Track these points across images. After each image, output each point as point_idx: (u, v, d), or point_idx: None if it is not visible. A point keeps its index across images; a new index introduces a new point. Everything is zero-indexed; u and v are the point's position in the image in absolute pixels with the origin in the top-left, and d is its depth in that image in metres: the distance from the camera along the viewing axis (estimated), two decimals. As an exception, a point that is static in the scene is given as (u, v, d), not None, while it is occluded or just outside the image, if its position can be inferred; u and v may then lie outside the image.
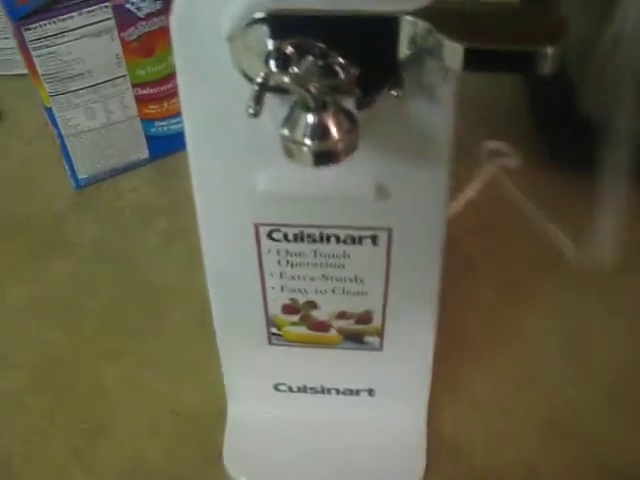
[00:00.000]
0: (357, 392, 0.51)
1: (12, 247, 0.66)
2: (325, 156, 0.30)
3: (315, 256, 0.41)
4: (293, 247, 0.41)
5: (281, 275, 0.43)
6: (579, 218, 0.58)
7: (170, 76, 0.64)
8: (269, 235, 0.40)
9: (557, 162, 0.68)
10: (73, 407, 0.56)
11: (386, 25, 0.30)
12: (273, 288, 0.43)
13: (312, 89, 0.29)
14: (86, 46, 0.61)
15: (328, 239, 0.40)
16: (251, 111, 0.30)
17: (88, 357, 0.59)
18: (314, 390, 0.51)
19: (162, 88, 0.66)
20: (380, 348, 0.47)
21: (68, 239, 0.67)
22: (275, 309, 0.45)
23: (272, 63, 0.30)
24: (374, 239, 0.40)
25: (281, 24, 0.30)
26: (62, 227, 0.68)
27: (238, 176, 0.38)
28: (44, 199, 0.70)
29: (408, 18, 0.29)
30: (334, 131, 0.29)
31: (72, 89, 0.63)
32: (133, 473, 0.54)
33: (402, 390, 0.51)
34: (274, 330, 0.46)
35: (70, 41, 0.60)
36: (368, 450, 0.51)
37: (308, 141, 0.29)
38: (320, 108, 0.29)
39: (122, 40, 0.62)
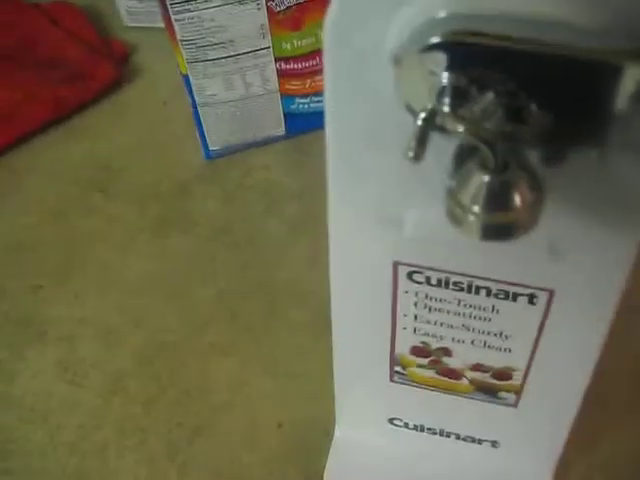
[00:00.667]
0: (480, 441, 0.46)
1: (135, 215, 0.64)
2: (498, 231, 0.24)
3: (458, 305, 0.36)
4: (435, 292, 0.35)
5: (416, 317, 0.37)
6: None
7: (317, 52, 0.60)
8: (409, 276, 0.35)
9: None
10: (173, 399, 0.54)
11: (601, 69, 0.23)
12: (405, 329, 0.38)
13: (492, 144, 0.23)
14: (230, 13, 0.57)
15: (477, 291, 0.34)
16: (411, 154, 0.25)
17: (196, 348, 0.56)
18: (432, 431, 0.46)
19: (307, 64, 0.62)
20: (515, 405, 0.42)
21: (191, 214, 0.64)
22: (403, 349, 0.40)
23: (443, 100, 0.24)
24: (532, 298, 0.34)
25: (463, 53, 0.25)
26: (187, 200, 0.65)
27: (382, 209, 0.32)
28: (173, 167, 0.67)
29: (632, 66, 0.22)
30: (515, 202, 0.23)
31: (211, 58, 0.59)
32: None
33: (530, 448, 0.45)
34: (398, 369, 0.41)
35: (213, 7, 0.56)
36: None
37: (479, 209, 0.23)
38: (500, 169, 0.23)
39: (269, 10, 0.57)
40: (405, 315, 0.37)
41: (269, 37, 0.59)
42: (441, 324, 0.37)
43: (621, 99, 0.23)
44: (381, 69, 0.27)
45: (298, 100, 0.64)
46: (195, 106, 0.62)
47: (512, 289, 0.34)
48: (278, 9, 0.57)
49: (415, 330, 0.38)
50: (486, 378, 0.40)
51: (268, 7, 0.57)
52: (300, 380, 0.53)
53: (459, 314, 0.36)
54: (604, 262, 0.31)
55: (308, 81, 0.63)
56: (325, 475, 0.49)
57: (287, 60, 0.61)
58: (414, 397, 0.44)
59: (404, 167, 0.29)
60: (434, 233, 0.32)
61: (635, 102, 0.23)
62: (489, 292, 0.34)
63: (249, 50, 0.59)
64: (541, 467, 0.46)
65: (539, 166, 0.25)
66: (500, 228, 0.24)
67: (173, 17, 0.56)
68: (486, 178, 0.23)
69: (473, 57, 0.24)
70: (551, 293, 0.33)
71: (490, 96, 0.24)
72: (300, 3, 0.57)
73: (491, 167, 0.23)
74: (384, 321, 0.38)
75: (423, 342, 0.39)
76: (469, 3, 0.25)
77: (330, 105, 0.30)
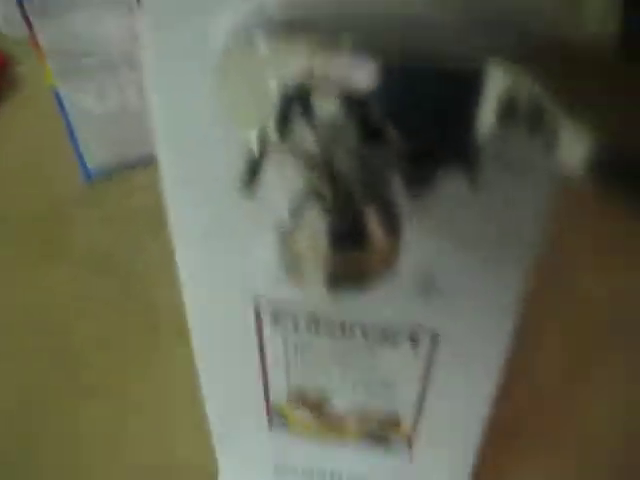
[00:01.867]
0: (375, 486, 0.41)
1: (6, 243, 0.58)
2: (345, 280, 0.19)
3: (333, 352, 0.31)
4: (305, 338, 0.31)
5: (287, 365, 0.33)
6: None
7: None
8: (273, 320, 0.30)
9: None
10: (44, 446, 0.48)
11: (462, 75, 0.19)
12: (277, 377, 0.34)
13: (329, 167, 0.19)
14: (101, 21, 0.50)
15: (352, 333, 0.30)
16: (242, 190, 0.20)
17: (67, 393, 0.50)
18: (322, 475, 0.42)
19: None
20: (406, 451, 0.37)
21: (70, 241, 0.58)
22: (279, 399, 0.35)
23: (275, 122, 0.20)
24: (414, 342, 0.30)
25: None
26: (65, 226, 0.59)
27: (231, 244, 0.28)
28: (49, 189, 0.61)
29: (499, 70, 0.18)
30: (365, 243, 0.19)
31: (81, 69, 0.53)
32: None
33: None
34: (277, 418, 0.37)
35: (81, 12, 0.50)
36: None
37: (327, 250, 0.19)
38: (344, 201, 0.19)
39: None
40: (276, 364, 0.33)
41: None
42: (317, 372, 0.33)
43: (486, 112, 0.19)
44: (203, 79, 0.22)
45: None
46: (69, 122, 0.56)
47: (391, 331, 0.29)
48: None
49: (289, 379, 0.34)
50: (372, 425, 0.36)
51: None
52: (181, 423, 0.48)
53: (336, 362, 0.32)
54: (490, 296, 0.27)
55: None
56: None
57: None
58: (299, 444, 0.39)
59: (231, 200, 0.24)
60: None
61: (502, 116, 0.18)
62: (365, 335, 0.30)
63: (125, 61, 0.53)
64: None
65: (399, 192, 0.20)
66: (349, 276, 0.19)
67: (34, 23, 0.50)
68: (328, 215, 0.19)
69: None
70: (434, 337, 0.29)
71: (338, 102, 0.20)
72: None
73: (330, 200, 0.19)
74: (253, 371, 0.33)
75: (299, 391, 0.34)
76: None
77: (160, 132, 0.25)
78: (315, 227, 0.19)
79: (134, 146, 0.58)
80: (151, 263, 0.56)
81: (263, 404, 0.36)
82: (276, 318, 0.30)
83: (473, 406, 0.34)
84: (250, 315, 0.30)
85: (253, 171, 0.19)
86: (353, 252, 0.19)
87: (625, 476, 0.46)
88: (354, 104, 0.20)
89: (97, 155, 0.59)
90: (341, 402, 0.34)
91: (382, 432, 0.36)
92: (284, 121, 0.19)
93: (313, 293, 0.20)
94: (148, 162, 0.58)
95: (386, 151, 0.20)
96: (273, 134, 0.19)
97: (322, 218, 0.19)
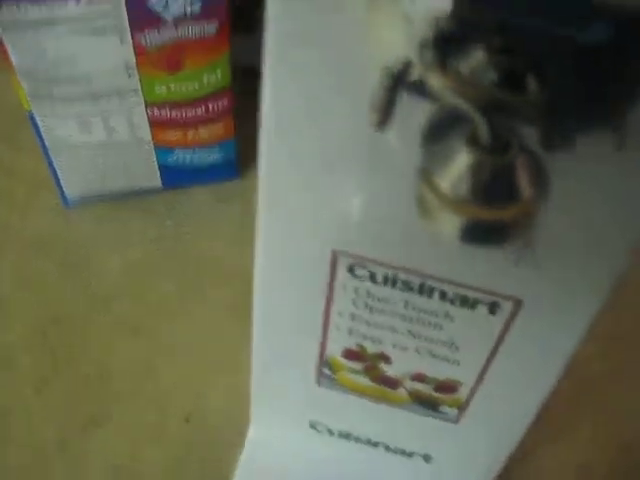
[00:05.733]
0: (410, 454, 0.41)
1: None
2: (485, 232, 0.18)
3: (406, 307, 0.30)
4: (379, 291, 0.29)
5: (352, 317, 0.32)
6: None
7: (203, 99, 0.48)
8: (350, 269, 0.29)
9: None
10: (70, 382, 0.47)
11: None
12: (338, 329, 0.32)
13: (489, 109, 0.17)
14: (81, 44, 0.43)
15: (430, 293, 0.29)
16: (376, 119, 0.18)
17: (99, 325, 0.49)
18: (358, 440, 0.41)
19: (189, 113, 0.49)
20: (456, 421, 0.36)
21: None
22: (334, 351, 0.34)
23: (428, 52, 0.18)
24: (493, 307, 0.28)
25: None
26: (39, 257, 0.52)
27: (327, 185, 0.26)
28: (27, 216, 0.54)
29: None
30: (516, 194, 0.17)
31: (59, 95, 0.46)
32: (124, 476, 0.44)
33: (466, 466, 0.40)
34: (327, 372, 0.36)
35: (58, 34, 0.42)
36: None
37: (463, 199, 0.17)
38: (498, 148, 0.17)
39: (136, 45, 0.44)
40: (340, 314, 0.31)
41: (137, 77, 0.46)
42: (382, 327, 0.31)
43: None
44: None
45: (178, 152, 0.52)
46: (45, 148, 0.50)
47: (472, 294, 0.28)
48: (149, 45, 0.44)
49: (351, 331, 0.32)
50: (427, 390, 0.34)
51: (135, 41, 0.44)
52: (214, 368, 0.47)
53: (405, 318, 0.30)
54: (588, 272, 0.26)
55: (191, 132, 0.50)
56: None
57: (162, 106, 0.48)
58: (342, 403, 0.38)
59: (357, 133, 0.23)
60: (387, 219, 0.26)
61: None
62: (444, 296, 0.29)
63: (111, 90, 0.46)
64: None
65: (541, 151, 0.19)
66: (488, 229, 0.18)
67: (7, 41, 0.42)
68: (478, 158, 0.17)
69: None
70: (517, 303, 0.28)
71: (482, 52, 0.18)
72: (179, 40, 0.44)
73: (486, 144, 0.17)
74: (315, 318, 0.32)
75: (359, 345, 0.33)
76: None
77: (270, 57, 0.23)
78: (463, 169, 0.17)
79: (119, 179, 0.53)
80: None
81: (316, 355, 0.35)
82: (352, 267, 0.29)
83: (535, 382, 0.33)
84: (326, 259, 0.29)
85: (390, 101, 0.18)
86: (499, 204, 0.18)
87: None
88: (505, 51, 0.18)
89: (78, 185, 0.53)
90: (400, 364, 0.33)
91: (435, 399, 0.35)
92: (441, 55, 0.17)
93: (444, 239, 0.18)
94: (137, 195, 0.53)
95: (535, 101, 0.19)
96: (423, 68, 0.18)
97: (474, 161, 0.17)
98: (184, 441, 0.45)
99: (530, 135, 0.19)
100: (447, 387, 0.34)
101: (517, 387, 0.33)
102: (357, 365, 0.34)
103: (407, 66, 0.18)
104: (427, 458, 0.41)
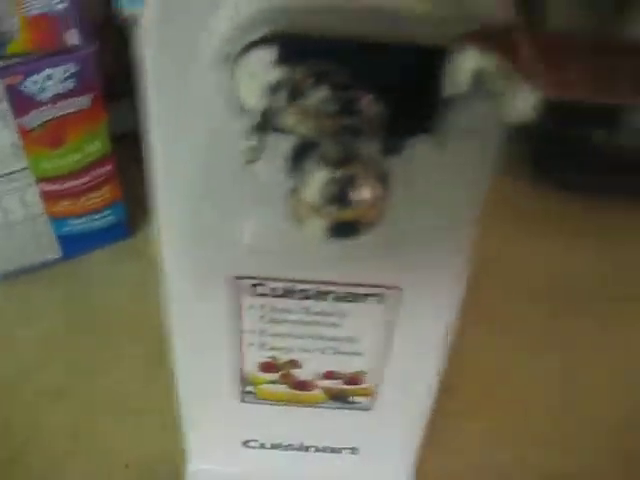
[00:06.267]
0: (339, 450, 0.45)
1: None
2: (345, 228, 0.23)
3: (307, 314, 0.34)
4: (280, 303, 0.34)
5: (262, 333, 0.36)
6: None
7: (87, 168, 0.53)
8: (253, 289, 0.33)
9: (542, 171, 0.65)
10: (7, 455, 0.49)
11: (431, 54, 0.23)
12: (251, 345, 0.37)
13: (335, 135, 0.22)
14: None
15: (324, 297, 0.33)
16: (248, 157, 0.23)
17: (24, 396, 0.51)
18: (290, 447, 0.45)
19: (77, 182, 0.53)
20: (369, 408, 0.41)
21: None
22: (251, 367, 0.38)
23: (278, 95, 0.23)
24: (380, 298, 0.33)
25: (289, 47, 0.23)
26: None
27: (218, 223, 0.30)
28: None
29: (467, 50, 0.22)
30: (361, 196, 0.22)
31: None
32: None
33: (389, 449, 0.45)
34: (248, 388, 0.39)
35: None
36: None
37: (327, 206, 0.22)
38: (343, 162, 0.22)
39: (20, 127, 0.48)
40: (252, 332, 0.36)
41: (24, 157, 0.50)
42: (289, 336, 0.36)
43: (455, 82, 0.23)
44: (205, 74, 0.25)
45: (72, 221, 0.56)
46: None
47: (360, 290, 0.33)
48: (31, 126, 0.48)
49: (262, 346, 0.36)
50: (338, 385, 0.39)
51: (18, 124, 0.48)
52: (146, 415, 0.50)
53: (307, 323, 0.35)
54: (446, 253, 0.31)
55: (81, 199, 0.54)
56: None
57: (51, 180, 0.52)
58: (267, 415, 0.42)
59: (236, 177, 0.27)
60: (274, 241, 0.30)
61: (473, 84, 0.22)
62: (337, 297, 0.33)
63: (1, 173, 0.50)
64: (400, 468, 0.46)
65: (380, 158, 0.24)
66: (347, 225, 0.23)
67: None
68: (330, 173, 0.22)
69: (304, 50, 0.23)
70: (399, 291, 0.33)
71: (324, 89, 0.23)
72: (58, 117, 0.49)
73: (334, 161, 0.22)
74: (230, 340, 0.36)
75: (271, 357, 0.37)
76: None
77: (155, 120, 0.27)
78: (321, 183, 0.22)
79: (19, 257, 0.56)
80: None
81: (236, 375, 0.38)
82: (254, 287, 0.33)
83: (427, 357, 0.38)
84: (230, 285, 0.33)
85: (259, 141, 0.22)
86: (351, 205, 0.22)
87: (558, 438, 0.51)
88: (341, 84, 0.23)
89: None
90: (310, 366, 0.38)
91: (347, 392, 0.39)
92: (290, 99, 0.22)
93: (314, 240, 0.23)
94: (39, 269, 0.56)
95: (370, 121, 0.24)
96: (277, 112, 0.22)
97: (328, 176, 0.22)
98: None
99: (371, 147, 0.24)
100: (356, 379, 0.38)
101: (413, 365, 0.38)
102: (273, 376, 0.38)
103: (266, 113, 0.23)
104: (354, 451, 0.45)
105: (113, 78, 0.52)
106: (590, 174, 0.63)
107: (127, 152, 0.52)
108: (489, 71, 0.21)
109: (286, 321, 0.35)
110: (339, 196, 0.22)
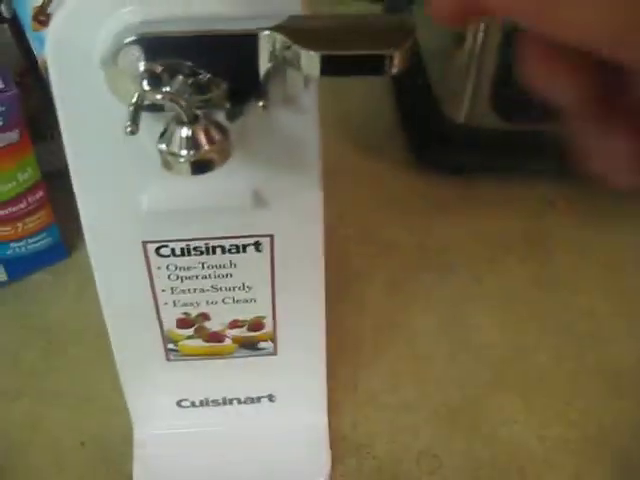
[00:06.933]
0: (258, 399, 0.53)
1: None
2: (201, 165, 0.32)
3: (203, 268, 0.43)
4: (181, 261, 0.43)
5: (172, 290, 0.44)
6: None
7: (23, 194, 0.60)
8: (157, 252, 0.42)
9: (423, 161, 0.75)
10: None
11: (247, 42, 0.32)
12: (166, 304, 0.45)
13: (184, 105, 0.31)
14: None
15: (214, 250, 0.42)
16: (128, 130, 0.32)
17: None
18: (216, 402, 0.53)
19: (13, 209, 0.60)
20: (274, 353, 0.49)
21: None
22: (170, 324, 0.46)
23: (145, 83, 0.32)
24: (257, 246, 0.42)
25: (151, 46, 0.33)
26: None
27: (122, 196, 0.39)
28: None
29: (266, 34, 0.31)
30: (206, 141, 0.32)
31: None
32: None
33: (301, 392, 0.53)
34: (171, 346, 0.48)
35: None
36: (274, 454, 0.53)
37: (184, 152, 0.31)
38: (193, 122, 0.32)
39: None
40: (163, 290, 0.44)
41: None
42: (194, 290, 0.44)
43: (263, 61, 0.32)
44: (96, 73, 0.34)
45: (13, 245, 0.63)
46: None
47: (240, 242, 0.42)
48: None
49: (175, 303, 0.45)
50: (244, 333, 0.48)
51: None
52: (94, 401, 0.58)
53: (206, 277, 0.44)
54: (301, 200, 0.40)
55: (19, 225, 0.62)
56: (134, 475, 0.53)
57: None
58: (192, 372, 0.50)
59: (131, 154, 0.36)
60: (167, 205, 0.39)
61: (272, 61, 0.32)
62: (223, 249, 0.42)
63: None
64: (315, 411, 0.54)
65: (226, 121, 0.34)
66: (202, 162, 0.32)
67: None
68: (184, 130, 0.32)
69: (160, 48, 0.33)
70: (271, 238, 0.42)
71: (179, 76, 0.33)
72: None
73: (186, 121, 0.32)
74: (148, 301, 0.45)
75: (184, 313, 0.46)
76: (154, 12, 0.33)
77: (60, 113, 0.36)
78: (179, 137, 0.32)
79: None
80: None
81: (159, 334, 0.47)
82: (158, 249, 0.42)
83: (311, 295, 0.46)
84: (140, 249, 0.42)
85: (134, 118, 0.32)
86: (201, 148, 0.32)
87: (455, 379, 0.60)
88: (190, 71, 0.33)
89: None
90: (217, 317, 0.46)
91: (252, 339, 0.48)
92: (154, 86, 0.32)
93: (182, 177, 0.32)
94: None
95: (215, 95, 0.33)
96: (146, 95, 0.32)
97: (181, 134, 0.32)
98: (84, 459, 0.55)
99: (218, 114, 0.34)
100: (256, 325, 0.47)
101: (299, 305, 0.46)
102: (189, 331, 0.47)
103: (140, 96, 0.32)
104: (271, 398, 0.53)
105: (36, 120, 0.61)
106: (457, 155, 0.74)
107: (56, 186, 0.61)
108: (279, 48, 0.31)
109: (190, 277, 0.44)
110: (193, 144, 0.32)
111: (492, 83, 0.69)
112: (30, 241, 0.64)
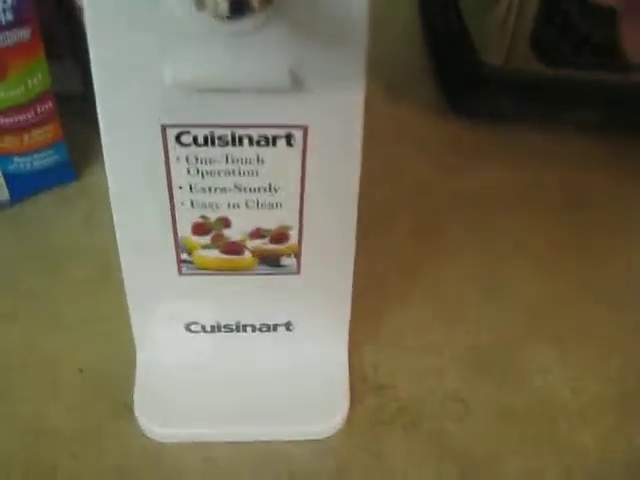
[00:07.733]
0: (275, 327, 0.49)
1: None
2: (239, 5, 0.28)
3: (227, 162, 0.39)
4: (204, 152, 0.38)
5: (191, 188, 0.40)
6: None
7: (30, 104, 0.55)
8: (178, 139, 0.38)
9: (457, 107, 0.70)
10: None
11: None
12: (183, 204, 0.41)
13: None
14: None
15: (241, 141, 0.38)
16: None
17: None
18: (228, 328, 0.49)
19: (20, 118, 0.56)
20: (297, 271, 0.45)
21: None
22: (185, 230, 0.42)
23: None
24: (289, 139, 0.38)
25: None
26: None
27: (142, 70, 0.35)
28: None
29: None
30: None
31: None
32: (36, 435, 0.49)
33: (321, 322, 0.49)
34: (185, 256, 0.44)
35: None
36: (290, 388, 0.49)
37: None
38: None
39: None
40: (181, 187, 0.40)
41: None
42: (215, 190, 0.40)
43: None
44: None
45: (17, 159, 0.58)
46: None
47: (270, 132, 0.38)
48: None
49: (193, 204, 0.41)
50: (266, 245, 0.43)
51: None
52: (95, 325, 0.54)
53: (230, 173, 0.39)
54: (342, 88, 0.36)
55: (25, 137, 0.57)
56: (135, 403, 0.49)
57: None
58: (204, 289, 0.46)
59: (155, 20, 0.32)
60: (193, 79, 0.35)
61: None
62: (251, 140, 0.38)
63: None
64: (335, 343, 0.50)
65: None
66: (242, 3, 0.28)
67: None
68: None
69: None
70: (305, 131, 0.38)
71: None
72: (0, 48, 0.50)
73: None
74: (162, 201, 0.40)
75: (202, 216, 0.42)
76: None
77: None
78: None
79: None
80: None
81: (172, 241, 0.43)
82: (179, 136, 0.38)
83: (343, 202, 0.42)
84: (158, 135, 0.37)
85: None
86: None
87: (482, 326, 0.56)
88: None
89: None
90: (237, 223, 0.42)
91: (274, 252, 0.44)
92: None
93: (217, 22, 0.28)
94: None
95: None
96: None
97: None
98: (81, 386, 0.51)
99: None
100: (280, 236, 0.43)
101: (330, 214, 0.42)
102: (205, 239, 0.43)
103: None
104: (289, 327, 0.49)
105: (52, 39, 0.57)
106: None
107: (68, 111, 0.58)
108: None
109: (211, 173, 0.39)
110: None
111: (534, 20, 0.65)
112: (36, 157, 0.59)
